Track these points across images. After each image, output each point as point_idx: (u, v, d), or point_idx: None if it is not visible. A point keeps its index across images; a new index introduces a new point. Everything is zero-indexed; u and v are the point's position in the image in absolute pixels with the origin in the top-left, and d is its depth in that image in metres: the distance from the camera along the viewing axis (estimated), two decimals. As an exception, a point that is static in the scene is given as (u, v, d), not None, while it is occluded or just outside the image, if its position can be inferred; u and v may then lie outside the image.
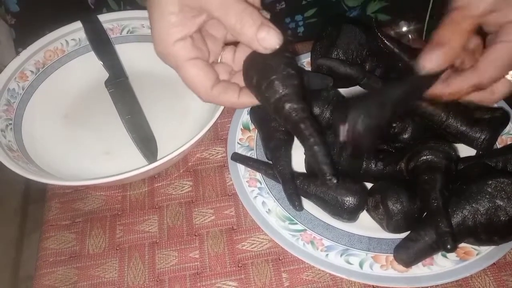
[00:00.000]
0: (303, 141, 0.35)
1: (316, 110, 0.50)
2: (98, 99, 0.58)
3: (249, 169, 0.50)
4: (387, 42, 0.50)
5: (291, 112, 0.36)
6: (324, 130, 0.48)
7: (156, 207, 0.50)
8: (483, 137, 0.45)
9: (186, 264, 0.46)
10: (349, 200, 0.43)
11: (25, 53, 0.58)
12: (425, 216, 0.41)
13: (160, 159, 0.46)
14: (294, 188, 0.44)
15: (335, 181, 0.34)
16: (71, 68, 0.60)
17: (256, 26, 0.33)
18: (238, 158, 0.50)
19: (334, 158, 0.45)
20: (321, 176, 0.34)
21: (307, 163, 0.48)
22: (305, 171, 0.48)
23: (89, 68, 0.60)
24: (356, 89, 0.55)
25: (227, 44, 0.43)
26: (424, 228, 0.39)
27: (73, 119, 0.58)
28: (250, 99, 0.39)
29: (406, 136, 0.47)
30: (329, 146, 0.36)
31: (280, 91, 0.36)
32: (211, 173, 0.53)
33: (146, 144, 0.52)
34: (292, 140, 0.50)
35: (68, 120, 0.57)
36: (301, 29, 0.69)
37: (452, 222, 0.38)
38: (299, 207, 0.43)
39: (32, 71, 0.58)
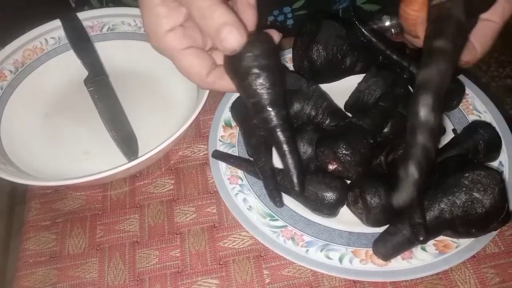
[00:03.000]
0: (276, 148, 0.36)
1: (297, 106, 0.50)
2: (79, 97, 0.58)
3: (230, 166, 0.49)
4: (368, 36, 0.50)
5: (262, 121, 0.35)
6: (303, 125, 0.48)
7: (137, 206, 0.50)
8: None
9: (167, 263, 0.45)
10: (329, 195, 0.43)
11: (3, 52, 0.57)
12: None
13: (140, 157, 0.46)
14: (275, 185, 0.44)
15: (300, 192, 0.35)
16: (51, 67, 0.60)
17: (218, 24, 0.32)
18: (219, 155, 0.50)
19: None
20: (290, 186, 0.34)
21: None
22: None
23: (69, 67, 0.59)
24: (338, 84, 0.55)
25: None
26: (401, 221, 0.40)
27: (53, 118, 0.57)
28: None
29: (386, 130, 0.47)
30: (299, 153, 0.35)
31: (250, 98, 0.35)
32: (193, 171, 0.53)
33: (127, 142, 0.52)
34: (295, 146, 0.50)
35: (48, 120, 0.57)
36: (290, 22, 0.69)
37: (429, 215, 0.39)
38: (279, 203, 0.43)
39: (10, 71, 0.57)
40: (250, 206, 0.46)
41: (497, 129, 0.50)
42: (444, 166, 0.42)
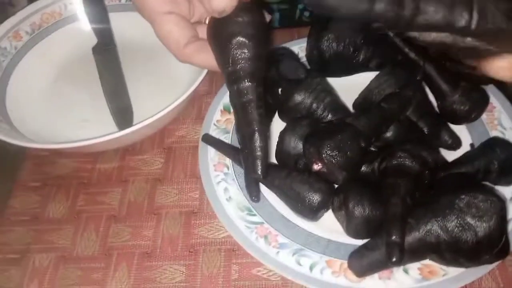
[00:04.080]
0: (241, 124, 0.33)
1: (297, 98, 0.46)
2: (88, 66, 0.57)
3: (219, 152, 0.47)
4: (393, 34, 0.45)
5: (235, 93, 0.33)
6: (299, 119, 0.44)
7: (123, 180, 0.49)
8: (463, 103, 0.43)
9: (137, 242, 0.44)
10: (311, 197, 0.40)
11: (22, 13, 0.58)
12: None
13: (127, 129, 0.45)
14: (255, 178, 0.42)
15: (261, 177, 0.32)
16: (67, 33, 0.60)
17: None
18: (209, 140, 0.48)
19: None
20: (251, 170, 0.32)
21: (278, 154, 0.45)
22: (274, 161, 0.45)
23: (85, 34, 0.59)
24: (351, 80, 0.51)
25: None
26: (382, 237, 0.36)
27: (60, 84, 0.57)
28: None
29: (389, 135, 0.43)
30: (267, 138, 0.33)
31: (229, 67, 0.32)
32: (185, 153, 0.51)
33: (122, 113, 0.51)
34: (266, 127, 0.47)
35: (56, 85, 0.57)
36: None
37: (413, 235, 0.34)
38: (256, 197, 0.41)
39: (27, 32, 0.58)
40: (230, 197, 0.44)
41: (521, 150, 0.44)
42: (442, 183, 0.37)
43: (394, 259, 0.32)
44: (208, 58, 0.35)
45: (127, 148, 0.52)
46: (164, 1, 0.34)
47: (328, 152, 0.37)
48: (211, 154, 0.47)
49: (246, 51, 0.32)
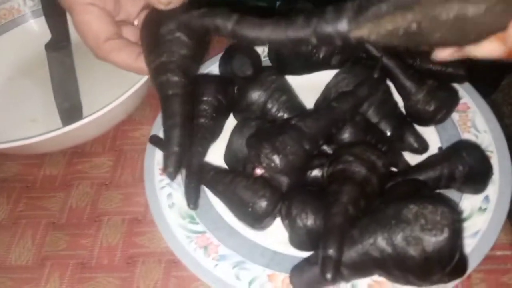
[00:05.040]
0: (163, 117, 0.32)
1: (250, 96, 0.43)
2: (43, 64, 0.55)
3: (166, 155, 0.44)
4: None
5: (164, 84, 0.31)
6: (249, 119, 0.41)
7: (67, 184, 0.46)
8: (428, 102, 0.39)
9: (74, 251, 0.41)
10: (255, 204, 0.36)
11: (-24, 9, 0.56)
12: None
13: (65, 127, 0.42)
14: (196, 182, 0.38)
15: (173, 176, 0.31)
16: (25, 30, 0.58)
17: None
18: (157, 141, 0.44)
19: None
20: (164, 167, 0.31)
21: (227, 157, 0.42)
22: (225, 165, 0.42)
23: (44, 32, 0.57)
24: (314, 78, 0.47)
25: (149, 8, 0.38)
26: (323, 251, 0.32)
27: (14, 82, 0.55)
28: None
29: (344, 136, 0.39)
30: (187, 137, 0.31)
31: (162, 57, 0.31)
32: (136, 155, 0.48)
33: (70, 113, 0.49)
34: (217, 128, 0.43)
35: (9, 83, 0.55)
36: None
37: (356, 249, 0.30)
38: (194, 205, 0.38)
39: (-18, 28, 0.56)
40: (173, 203, 0.40)
41: (495, 154, 0.40)
42: (392, 190, 0.33)
43: (328, 276, 0.28)
44: (128, 58, 0.33)
45: (76, 150, 0.49)
46: None
47: (267, 155, 0.33)
48: (158, 156, 0.44)
49: (183, 48, 0.31)
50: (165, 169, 0.31)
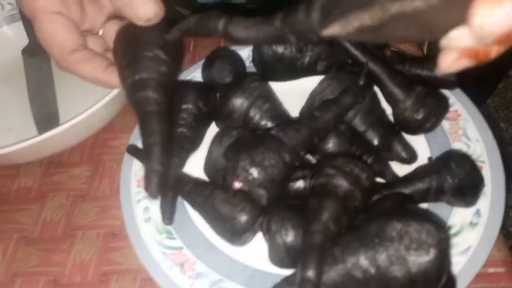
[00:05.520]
0: (143, 136, 0.31)
1: (232, 105, 0.41)
2: (21, 70, 0.53)
3: (145, 166, 0.42)
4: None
5: (143, 101, 0.30)
6: (229, 128, 0.39)
7: (42, 196, 0.44)
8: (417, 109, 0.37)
9: (45, 268, 0.39)
10: (233, 219, 0.34)
11: (-47, 14, 0.54)
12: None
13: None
14: (173, 196, 0.36)
15: (156, 195, 0.29)
16: (4, 35, 0.56)
17: None
18: (135, 151, 0.42)
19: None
20: (146, 186, 0.29)
21: (207, 168, 0.40)
22: (204, 177, 0.40)
23: (19, 38, 0.55)
24: (300, 84, 0.45)
25: (115, 17, 0.37)
26: (303, 271, 0.30)
27: (-9, 89, 0.53)
28: (116, 78, 0.33)
29: (327, 147, 0.37)
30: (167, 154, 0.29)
31: (141, 74, 0.31)
32: (115, 165, 0.46)
33: (46, 120, 0.47)
34: (197, 138, 0.42)
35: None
36: None
37: (337, 269, 0.28)
38: (168, 220, 0.36)
39: (-41, 33, 0.54)
40: (149, 217, 0.39)
41: (487, 165, 0.38)
42: (376, 205, 0.31)
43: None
44: (94, 71, 0.32)
45: (53, 160, 0.47)
46: (55, 1, 0.31)
47: (245, 168, 0.32)
48: (136, 168, 0.42)
49: (162, 65, 0.31)
50: (146, 187, 0.30)
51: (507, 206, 0.36)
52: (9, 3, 0.56)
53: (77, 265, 0.39)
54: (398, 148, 0.39)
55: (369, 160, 0.37)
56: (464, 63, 0.19)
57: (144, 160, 0.42)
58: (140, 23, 0.31)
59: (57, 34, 0.31)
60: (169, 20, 0.32)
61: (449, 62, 0.20)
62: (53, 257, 0.40)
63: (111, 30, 0.36)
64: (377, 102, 0.41)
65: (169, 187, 0.37)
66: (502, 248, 0.36)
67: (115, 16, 0.37)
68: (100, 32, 0.37)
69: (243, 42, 0.26)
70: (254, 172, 0.31)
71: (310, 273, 0.27)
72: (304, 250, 0.28)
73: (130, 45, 0.32)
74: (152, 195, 0.29)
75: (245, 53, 0.50)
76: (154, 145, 0.30)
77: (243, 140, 0.34)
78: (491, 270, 0.35)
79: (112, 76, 0.33)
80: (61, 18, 0.31)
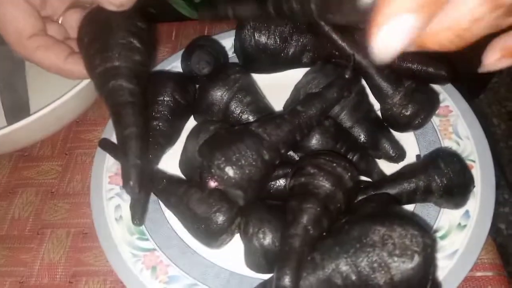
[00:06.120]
0: (117, 129, 0.30)
1: (211, 97, 0.39)
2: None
3: (118, 162, 0.40)
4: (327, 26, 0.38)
5: (117, 90, 0.28)
6: (208, 122, 0.37)
7: (10, 192, 0.42)
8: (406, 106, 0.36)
9: (12, 268, 0.37)
10: (209, 220, 0.32)
11: None
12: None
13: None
14: (144, 195, 0.34)
15: (137, 191, 0.29)
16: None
17: None
18: (107, 146, 0.40)
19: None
20: (124, 181, 0.29)
21: (183, 164, 0.37)
22: (180, 174, 0.38)
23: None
24: (285, 77, 0.43)
25: (76, 6, 0.35)
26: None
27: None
28: (79, 67, 0.31)
29: (310, 143, 0.35)
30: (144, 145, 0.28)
31: (114, 62, 0.29)
32: (87, 159, 0.44)
33: (17, 111, 0.44)
34: (174, 132, 0.39)
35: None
36: None
37: (316, 275, 0.27)
38: (139, 220, 0.33)
39: None
40: (120, 216, 0.36)
41: (477, 164, 0.36)
42: (360, 208, 0.29)
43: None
44: (56, 59, 0.31)
45: (23, 154, 0.44)
46: None
47: (219, 166, 0.29)
48: (109, 163, 0.40)
49: (136, 54, 0.30)
50: (125, 183, 0.29)
51: (497, 202, 0.34)
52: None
53: (45, 265, 0.37)
54: (385, 145, 0.37)
55: (355, 158, 0.35)
56: (507, 63, 0.20)
57: (118, 156, 0.39)
58: (111, 8, 0.29)
59: (15, 19, 0.29)
60: (140, 8, 0.30)
61: (493, 60, 0.20)
62: (21, 256, 0.37)
63: (72, 19, 0.34)
64: (365, 96, 0.39)
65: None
66: (490, 250, 0.34)
67: (77, 4, 0.35)
68: (60, 20, 0.34)
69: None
70: (230, 171, 0.29)
71: (286, 281, 0.25)
72: (281, 255, 0.26)
73: (100, 31, 0.30)
74: (131, 191, 0.27)
75: (228, 42, 0.47)
76: (131, 138, 0.28)
77: (219, 136, 0.31)
78: (479, 273, 0.33)
79: (75, 65, 0.31)
80: (20, 2, 0.29)
